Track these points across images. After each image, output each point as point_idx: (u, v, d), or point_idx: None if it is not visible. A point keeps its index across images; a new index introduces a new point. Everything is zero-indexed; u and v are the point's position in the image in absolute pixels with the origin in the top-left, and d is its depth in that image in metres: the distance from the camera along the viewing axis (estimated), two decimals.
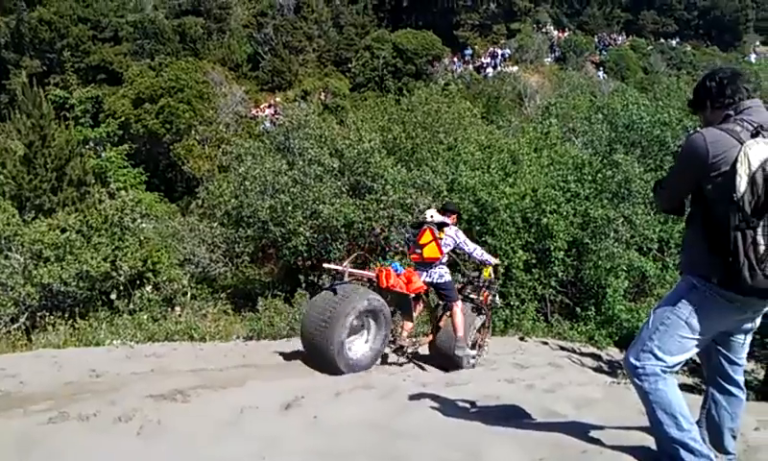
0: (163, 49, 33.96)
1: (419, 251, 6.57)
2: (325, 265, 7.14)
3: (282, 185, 14.24)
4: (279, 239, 14.29)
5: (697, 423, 2.75)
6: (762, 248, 2.35)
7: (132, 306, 11.38)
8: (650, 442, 2.97)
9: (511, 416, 3.80)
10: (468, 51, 40.29)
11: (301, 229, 13.38)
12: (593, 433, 3.16)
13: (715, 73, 2.80)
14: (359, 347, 6.10)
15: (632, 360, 2.68)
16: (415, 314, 6.89)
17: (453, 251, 6.88)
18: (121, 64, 32.81)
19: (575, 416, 3.85)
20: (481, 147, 15.22)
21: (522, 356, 10.51)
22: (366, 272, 6.68)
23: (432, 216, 6.75)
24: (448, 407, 4.04)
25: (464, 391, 4.95)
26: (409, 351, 6.97)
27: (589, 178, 13.30)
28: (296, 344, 8.71)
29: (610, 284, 12.50)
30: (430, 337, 7.21)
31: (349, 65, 37.21)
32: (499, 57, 39.39)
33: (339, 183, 14.17)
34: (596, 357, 11.32)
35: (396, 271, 6.50)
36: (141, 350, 6.83)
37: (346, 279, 6.11)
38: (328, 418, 3.83)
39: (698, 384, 9.08)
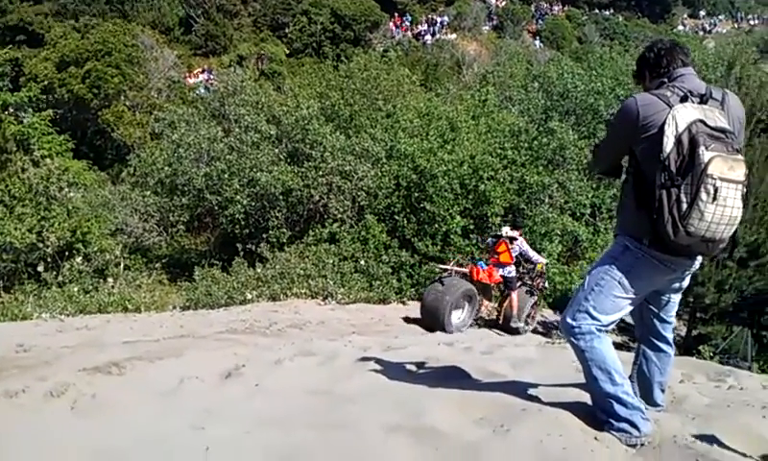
0: (89, 10, 32.19)
1: (496, 256, 9.46)
2: (440, 266, 10.17)
3: (218, 153, 13.90)
4: (216, 208, 13.98)
5: (629, 378, 2.87)
6: (685, 205, 2.44)
7: (61, 279, 10.91)
8: (586, 398, 3.07)
9: (450, 377, 3.86)
10: (408, 18, 40.01)
11: (238, 197, 13.12)
12: (531, 391, 3.24)
13: (654, 45, 2.89)
14: (457, 317, 8.94)
15: (568, 320, 2.76)
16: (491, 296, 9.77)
17: (519, 254, 9.60)
18: (42, 25, 30.95)
19: (513, 376, 3.93)
20: (420, 114, 15.22)
21: None
22: (463, 269, 9.66)
23: (507, 232, 9.68)
24: (390, 371, 4.07)
25: (403, 354, 5.00)
26: (485, 319, 9.74)
27: (526, 145, 13.56)
28: (237, 312, 8.64)
29: (544, 248, 12.84)
30: (499, 311, 9.79)
31: (286, 30, 36.27)
32: (438, 24, 39.32)
33: (276, 151, 13.93)
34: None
35: (482, 267, 9.31)
36: (72, 323, 6.59)
37: (451, 272, 9.38)
38: (270, 385, 3.79)
39: (626, 342, 9.54)
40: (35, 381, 3.87)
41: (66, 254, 11.40)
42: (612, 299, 2.70)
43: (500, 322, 9.61)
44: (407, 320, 9.44)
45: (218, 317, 7.93)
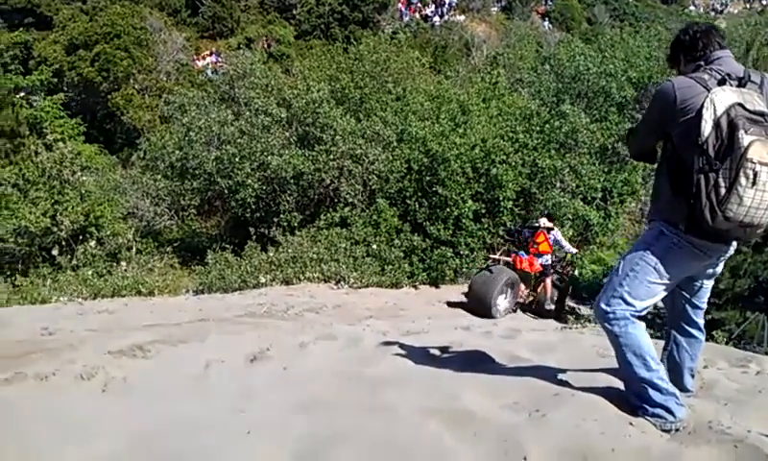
0: None
1: (536, 246, 10.05)
2: (491, 256, 11.03)
3: (228, 136, 13.87)
4: (226, 191, 13.98)
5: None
6: (723, 190, 2.42)
7: (75, 262, 11.01)
8: (615, 383, 3.09)
9: (476, 362, 3.87)
10: None
11: (249, 180, 13.11)
12: (560, 376, 3.25)
13: (689, 27, 2.84)
14: (502, 302, 9.54)
15: (603, 306, 2.75)
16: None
17: (553, 242, 10.23)
18: (50, 7, 30.78)
19: (537, 360, 3.95)
20: (430, 97, 15.16)
21: None
22: (508, 258, 10.41)
23: (544, 223, 10.24)
24: (415, 355, 4.09)
25: (425, 339, 5.02)
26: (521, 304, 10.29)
27: (537, 128, 13.48)
28: (252, 296, 8.68)
29: None
30: (534, 296, 10.39)
31: (294, 12, 35.98)
32: (446, 5, 38.95)
33: (287, 134, 13.90)
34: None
35: (524, 257, 10.01)
36: (91, 306, 6.64)
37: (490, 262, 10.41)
38: (298, 369, 3.82)
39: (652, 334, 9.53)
40: (64, 364, 3.92)
41: (80, 237, 11.48)
42: (647, 284, 2.70)
43: (534, 306, 10.23)
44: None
45: (234, 301, 7.97)
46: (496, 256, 10.79)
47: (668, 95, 2.60)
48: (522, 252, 10.18)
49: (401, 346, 4.41)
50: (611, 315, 2.72)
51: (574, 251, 10.85)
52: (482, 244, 12.64)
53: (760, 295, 9.37)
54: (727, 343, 7.99)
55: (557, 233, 10.40)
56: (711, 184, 2.45)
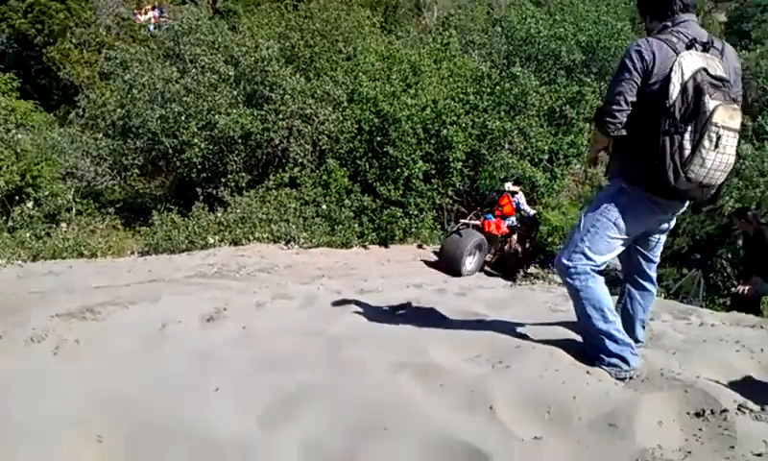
0: None
1: (500, 208, 10.94)
2: (462, 221, 11.33)
3: (173, 94, 13.38)
4: (171, 151, 13.56)
5: None
6: (687, 152, 2.51)
7: (11, 224, 10.53)
8: (571, 335, 3.20)
9: (435, 318, 3.93)
10: None
11: (196, 140, 12.74)
12: (518, 330, 3.34)
13: None
14: (470, 262, 10.30)
15: (564, 261, 2.83)
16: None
17: (516, 205, 11.07)
18: None
19: (493, 315, 4.02)
20: (381, 57, 14.98)
21: (421, 263, 10.93)
22: (476, 222, 11.02)
23: (509, 187, 11.11)
24: (372, 313, 4.10)
25: (380, 297, 5.04)
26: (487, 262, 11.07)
27: (488, 90, 13.55)
28: (201, 256, 8.53)
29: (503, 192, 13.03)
30: (501, 255, 11.23)
31: None
32: None
33: (235, 93, 13.52)
34: (489, 262, 11.94)
35: (491, 220, 10.80)
36: (33, 268, 6.40)
37: (461, 225, 10.90)
38: (258, 328, 3.78)
39: None
40: (10, 327, 3.77)
41: (16, 198, 10.97)
42: (607, 240, 2.78)
43: (500, 265, 11.13)
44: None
45: (183, 261, 7.82)
46: (466, 221, 11.25)
47: (645, 53, 2.63)
48: (490, 215, 10.97)
49: (358, 304, 4.41)
50: (572, 270, 2.79)
51: (532, 213, 11.55)
52: (431, 204, 12.73)
53: (697, 253, 9.82)
54: (665, 298, 8.38)
55: (520, 197, 11.19)
56: (676, 146, 2.53)
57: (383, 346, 3.10)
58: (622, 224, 2.75)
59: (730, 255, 10.60)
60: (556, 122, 14.44)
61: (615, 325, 2.79)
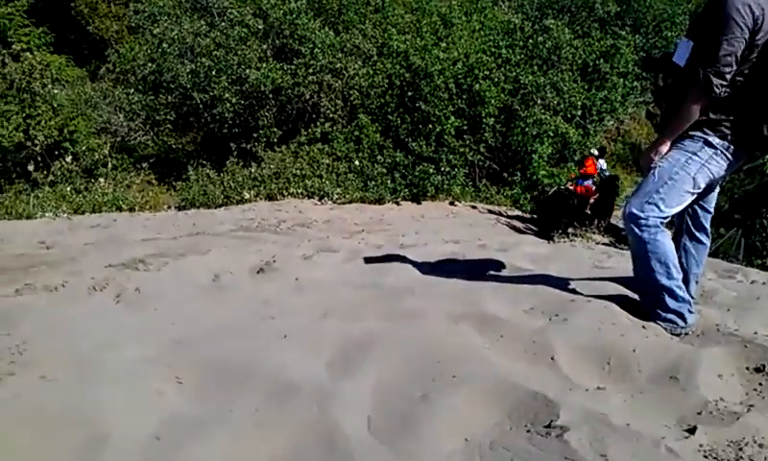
0: None
1: (584, 168, 11.38)
2: (560, 186, 12.06)
3: (203, 48, 13.39)
4: (202, 106, 13.63)
5: None
6: None
7: (51, 178, 10.75)
8: (622, 291, 3.22)
9: (482, 271, 3.96)
10: None
11: (227, 95, 12.78)
12: (569, 285, 3.37)
13: None
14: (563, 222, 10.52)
15: (635, 211, 2.77)
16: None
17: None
18: None
19: (539, 270, 4.04)
20: (410, 9, 14.77)
21: (455, 219, 10.93)
22: (569, 185, 11.63)
23: (594, 151, 11.85)
24: (422, 267, 4.16)
25: (422, 252, 5.07)
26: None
27: (520, 43, 13.33)
28: (239, 211, 8.64)
29: (536, 150, 12.93)
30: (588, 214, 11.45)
31: None
32: None
33: (264, 47, 13.47)
34: (522, 220, 11.93)
35: (581, 184, 11.24)
36: (81, 221, 6.56)
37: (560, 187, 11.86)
38: (310, 279, 3.87)
39: (613, 243, 9.85)
40: (71, 276, 3.90)
41: (55, 153, 11.16)
42: (682, 193, 2.74)
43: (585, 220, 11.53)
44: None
45: (224, 216, 7.95)
46: (563, 186, 12.16)
47: (755, 8, 2.54)
48: (580, 180, 11.56)
49: (404, 259, 4.46)
50: (642, 221, 2.75)
51: (608, 173, 12.13)
52: (463, 161, 12.67)
53: (736, 213, 9.68)
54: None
55: (603, 163, 11.92)
56: None
57: (440, 298, 3.16)
58: (700, 178, 2.72)
59: None
60: (589, 77, 14.17)
61: (678, 281, 2.77)
